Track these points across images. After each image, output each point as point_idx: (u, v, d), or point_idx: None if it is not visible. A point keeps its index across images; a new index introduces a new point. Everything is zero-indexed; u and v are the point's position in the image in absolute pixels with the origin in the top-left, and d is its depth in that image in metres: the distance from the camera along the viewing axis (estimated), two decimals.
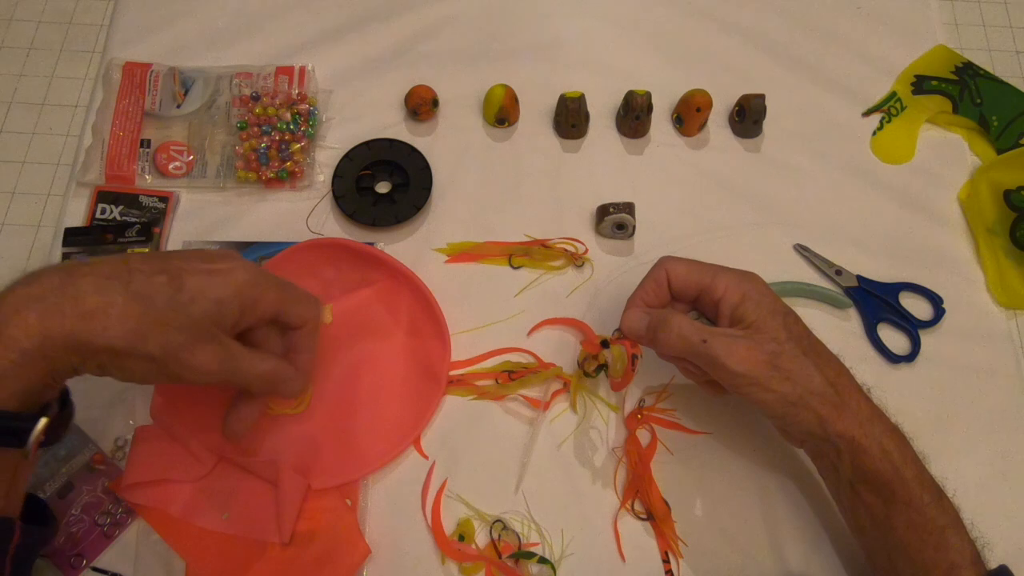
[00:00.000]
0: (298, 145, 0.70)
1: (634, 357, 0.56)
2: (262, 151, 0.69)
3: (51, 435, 0.43)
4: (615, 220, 0.66)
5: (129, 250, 0.65)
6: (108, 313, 0.41)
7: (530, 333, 0.64)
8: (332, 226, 0.69)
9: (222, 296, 0.45)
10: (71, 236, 0.66)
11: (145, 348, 0.42)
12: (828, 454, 0.51)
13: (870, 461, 0.48)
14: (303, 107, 0.71)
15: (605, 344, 0.57)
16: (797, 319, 0.51)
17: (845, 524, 0.54)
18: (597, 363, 0.57)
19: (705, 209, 0.71)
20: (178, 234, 0.68)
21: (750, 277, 0.52)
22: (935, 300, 0.66)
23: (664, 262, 0.53)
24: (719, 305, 0.51)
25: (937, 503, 0.48)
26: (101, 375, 0.44)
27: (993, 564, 0.48)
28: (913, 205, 0.71)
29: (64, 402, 0.46)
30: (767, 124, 0.74)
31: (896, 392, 0.63)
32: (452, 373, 0.62)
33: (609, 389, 0.62)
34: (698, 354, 0.50)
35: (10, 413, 0.40)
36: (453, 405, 0.61)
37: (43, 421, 0.41)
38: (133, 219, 0.67)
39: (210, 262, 0.46)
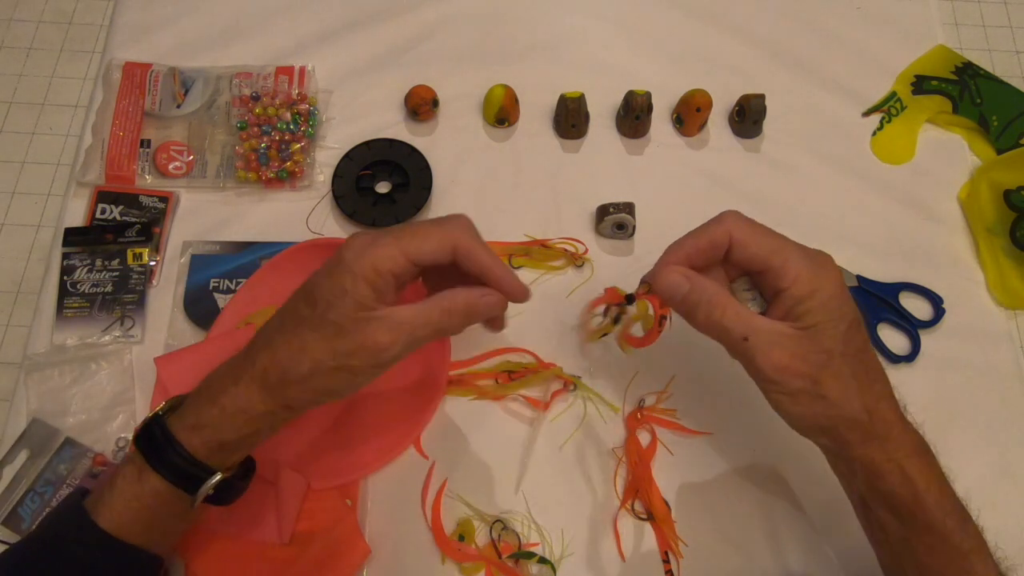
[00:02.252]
0: (298, 145, 0.70)
1: (663, 318, 0.49)
2: (262, 151, 0.69)
3: (225, 496, 0.47)
4: (615, 220, 0.66)
5: (131, 250, 0.65)
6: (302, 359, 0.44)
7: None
8: (332, 226, 0.69)
9: (349, 289, 0.44)
10: (71, 236, 0.66)
11: (319, 363, 0.45)
12: (840, 468, 0.47)
13: (887, 484, 0.44)
14: (303, 107, 0.71)
15: (630, 299, 0.49)
16: (860, 327, 0.45)
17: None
18: (616, 313, 0.51)
19: (705, 209, 0.70)
20: (178, 234, 0.68)
21: (826, 267, 0.44)
22: (935, 300, 0.66)
23: (728, 222, 0.45)
24: (781, 293, 0.44)
25: (962, 528, 0.44)
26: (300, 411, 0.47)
27: None
28: (913, 205, 0.71)
29: (247, 470, 0.50)
30: (767, 124, 0.74)
31: (896, 392, 0.63)
32: (452, 373, 0.62)
33: (613, 375, 0.62)
34: (733, 348, 0.45)
35: (199, 462, 0.45)
36: (453, 405, 0.61)
37: (217, 477, 0.45)
38: (133, 219, 0.67)
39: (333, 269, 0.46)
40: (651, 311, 0.49)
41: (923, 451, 0.45)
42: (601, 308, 0.52)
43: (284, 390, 0.45)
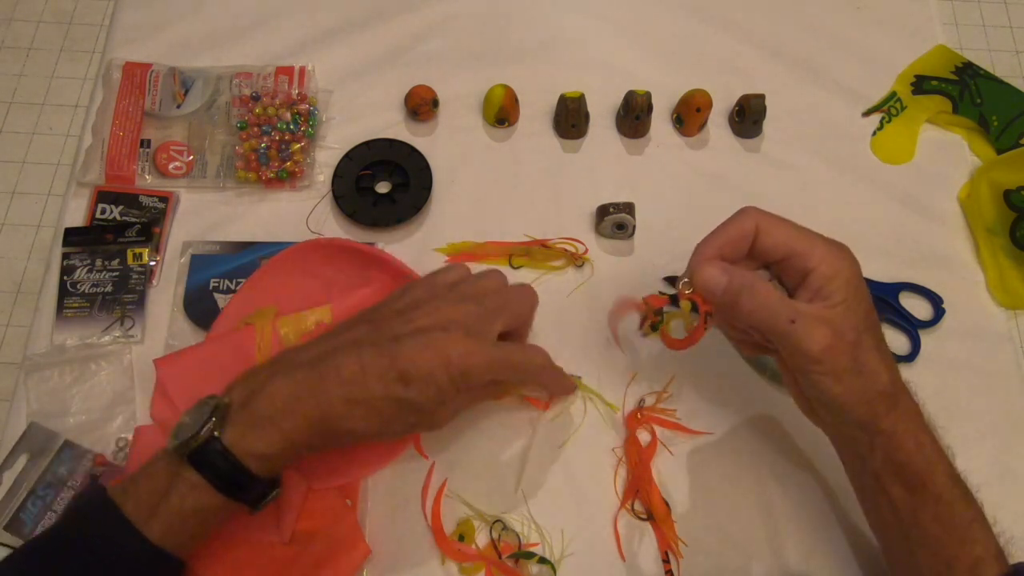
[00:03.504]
0: (298, 145, 0.70)
1: (707, 316, 0.49)
2: (262, 151, 0.69)
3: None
4: (615, 220, 0.66)
5: (131, 250, 0.65)
6: (353, 416, 0.48)
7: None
8: (332, 226, 0.69)
9: (442, 386, 0.49)
10: (71, 236, 0.66)
11: (390, 430, 0.50)
12: (859, 443, 0.48)
13: (904, 455, 0.46)
14: (303, 107, 0.71)
15: (674, 300, 0.51)
16: (873, 306, 0.47)
17: (864, 515, 0.53)
18: (656, 319, 0.52)
19: (705, 209, 0.70)
20: (178, 234, 0.68)
21: (845, 252, 0.47)
22: (935, 300, 0.66)
23: (753, 214, 0.47)
24: (808, 276, 0.45)
25: (964, 497, 0.47)
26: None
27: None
28: (913, 205, 0.71)
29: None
30: (767, 124, 0.74)
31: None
32: None
33: (613, 375, 0.62)
34: (779, 332, 0.45)
35: (264, 481, 0.47)
36: None
37: (276, 491, 0.49)
38: (133, 219, 0.67)
39: (438, 345, 0.48)
40: (694, 310, 0.51)
41: (929, 424, 0.48)
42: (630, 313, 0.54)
43: (325, 359, 0.48)
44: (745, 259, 0.49)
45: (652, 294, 0.54)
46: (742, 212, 0.48)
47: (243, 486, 0.46)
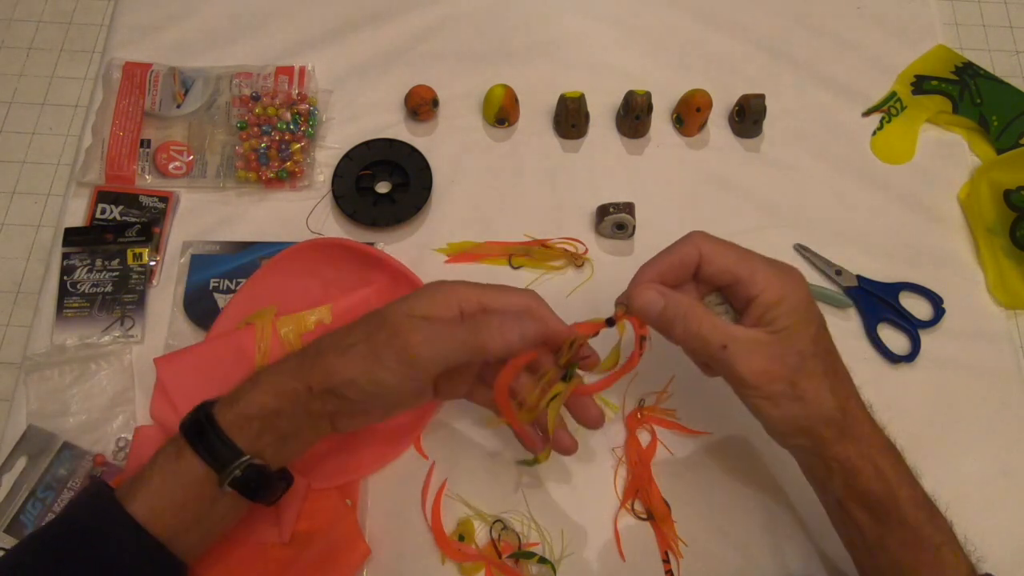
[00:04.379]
0: (298, 145, 0.70)
1: (642, 339, 0.48)
2: (262, 151, 0.69)
3: (260, 490, 0.49)
4: (615, 220, 0.66)
5: (131, 250, 0.65)
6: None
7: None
8: (332, 226, 0.69)
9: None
10: (71, 236, 0.66)
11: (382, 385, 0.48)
12: (815, 468, 0.48)
13: (863, 481, 0.46)
14: (303, 107, 0.71)
15: (610, 322, 0.48)
16: (826, 330, 0.47)
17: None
18: (571, 354, 0.48)
19: (705, 209, 0.71)
20: (178, 234, 0.68)
21: (791, 276, 0.47)
22: (935, 300, 0.66)
23: (696, 240, 0.47)
24: (751, 302, 0.46)
25: (931, 521, 0.46)
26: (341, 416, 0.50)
27: (986, 568, 0.48)
28: (913, 205, 0.71)
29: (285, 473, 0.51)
30: (767, 124, 0.74)
31: (896, 392, 0.63)
32: None
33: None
34: (714, 358, 0.46)
35: (229, 441, 0.46)
36: (453, 405, 0.61)
37: (245, 459, 0.46)
38: (133, 219, 0.67)
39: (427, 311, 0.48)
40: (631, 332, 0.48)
41: (891, 448, 0.47)
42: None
43: (313, 367, 0.47)
44: (696, 282, 0.49)
45: (583, 321, 0.49)
46: (686, 238, 0.48)
47: (206, 437, 0.46)
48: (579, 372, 0.50)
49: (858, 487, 0.46)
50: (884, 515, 0.46)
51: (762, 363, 0.45)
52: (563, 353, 0.49)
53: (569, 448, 0.52)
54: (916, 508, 0.46)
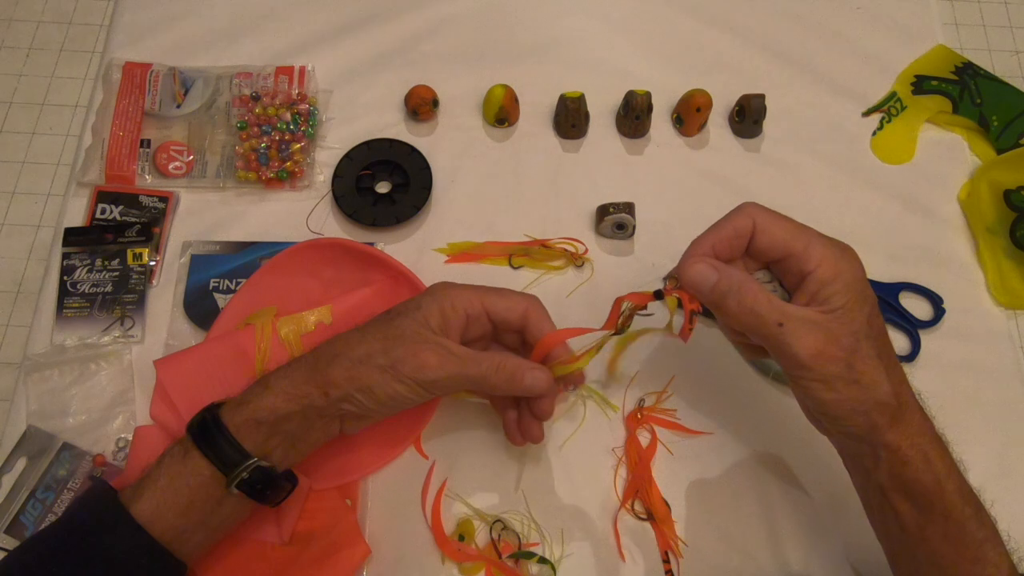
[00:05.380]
0: (298, 145, 0.70)
1: (692, 314, 0.47)
2: (262, 151, 0.69)
3: (266, 491, 0.49)
4: (615, 220, 0.66)
5: (131, 250, 0.65)
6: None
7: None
8: (332, 226, 0.69)
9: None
10: (71, 236, 0.66)
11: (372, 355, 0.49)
12: (864, 457, 0.46)
13: (911, 471, 0.44)
14: (303, 107, 0.71)
15: (659, 295, 0.47)
16: (879, 311, 0.45)
17: (870, 525, 0.51)
18: (624, 320, 0.49)
19: (705, 209, 0.70)
20: (178, 234, 0.68)
21: (847, 253, 0.45)
22: (935, 300, 0.66)
23: (750, 211, 0.46)
24: (806, 278, 0.44)
25: (977, 516, 0.44)
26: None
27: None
28: (913, 205, 0.71)
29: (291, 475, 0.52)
30: (767, 124, 0.74)
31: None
32: None
33: (608, 382, 0.62)
34: (767, 336, 0.44)
35: (234, 440, 0.46)
36: (453, 405, 0.61)
37: (252, 463, 0.47)
38: (133, 219, 0.67)
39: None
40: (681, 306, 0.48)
41: (940, 438, 0.46)
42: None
43: (329, 370, 0.48)
44: (745, 258, 0.47)
45: (635, 292, 0.50)
46: (740, 209, 0.46)
47: (210, 434, 0.47)
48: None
49: (905, 476, 0.44)
50: (928, 506, 0.44)
51: (818, 343, 0.42)
52: (618, 320, 0.49)
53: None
54: (963, 501, 0.44)
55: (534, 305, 0.52)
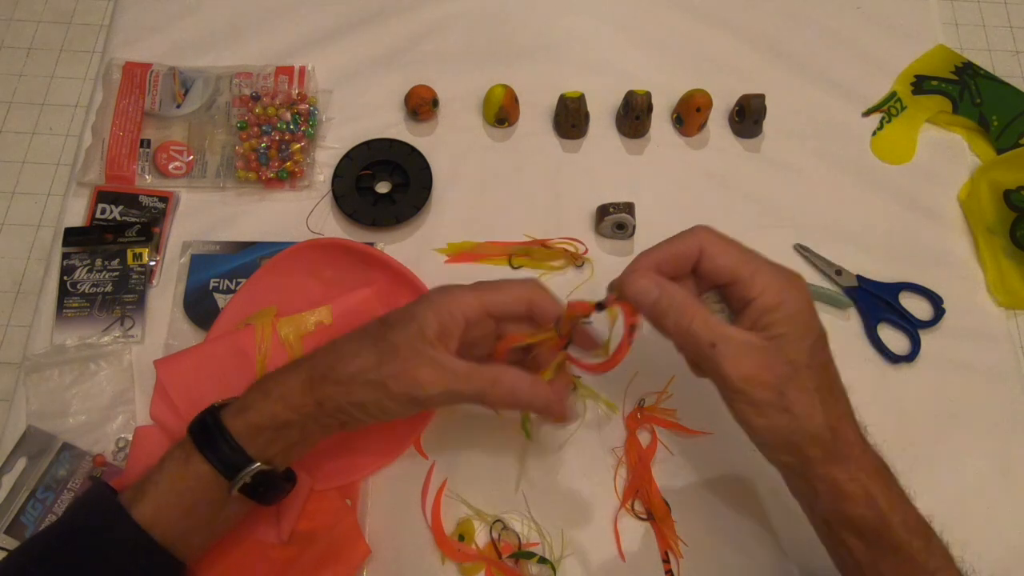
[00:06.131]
0: (298, 145, 0.70)
1: (632, 328, 0.47)
2: (262, 151, 0.69)
3: (265, 492, 0.49)
4: (615, 220, 0.66)
5: (131, 250, 0.65)
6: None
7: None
8: (332, 226, 0.69)
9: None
10: (71, 236, 0.66)
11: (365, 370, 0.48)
12: (804, 490, 0.46)
13: (853, 507, 0.44)
14: (303, 107, 0.71)
15: (600, 306, 0.48)
16: (825, 344, 0.45)
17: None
18: (573, 323, 0.49)
19: (705, 209, 0.71)
20: (178, 234, 0.68)
21: (794, 283, 0.45)
22: (935, 300, 0.66)
23: (700, 234, 0.46)
24: (748, 304, 0.44)
25: (927, 547, 0.44)
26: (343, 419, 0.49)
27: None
28: (913, 205, 0.71)
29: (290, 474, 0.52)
30: (767, 124, 0.74)
31: (896, 392, 0.63)
32: None
33: (613, 375, 0.62)
34: (702, 356, 0.44)
35: (236, 445, 0.46)
36: (453, 405, 0.61)
37: (255, 467, 0.47)
38: (133, 219, 0.67)
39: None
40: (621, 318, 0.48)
41: (884, 471, 0.45)
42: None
43: (323, 385, 0.47)
44: (696, 278, 0.48)
45: (577, 300, 0.49)
46: (691, 230, 0.47)
47: (214, 440, 0.46)
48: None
49: (848, 512, 0.44)
50: (875, 540, 0.44)
51: (751, 368, 0.43)
52: (557, 327, 0.49)
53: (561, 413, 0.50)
54: (910, 534, 0.44)
55: (536, 292, 0.49)
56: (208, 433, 0.46)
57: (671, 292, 0.45)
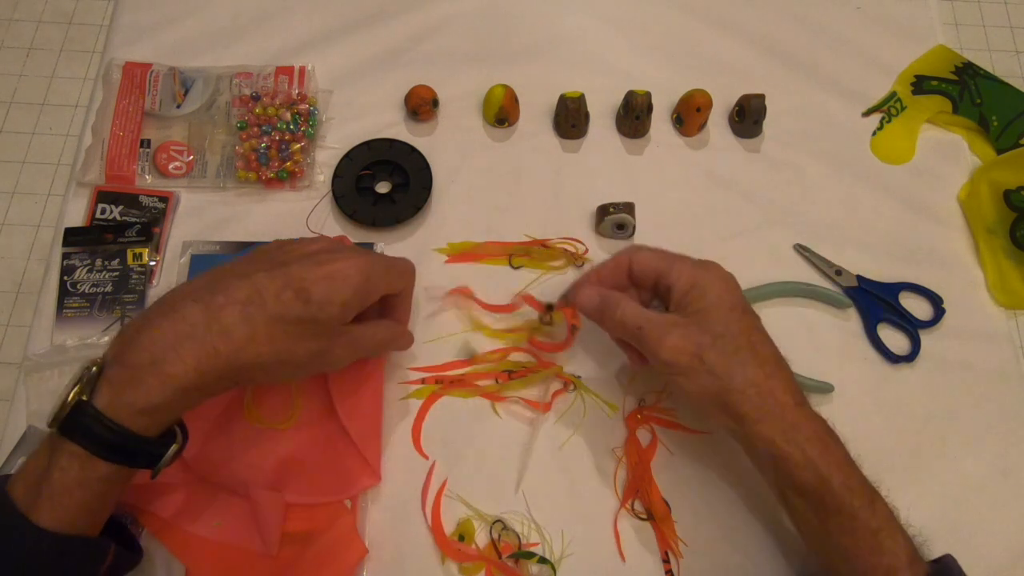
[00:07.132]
0: (298, 145, 0.70)
1: (573, 328, 0.61)
2: (262, 151, 0.69)
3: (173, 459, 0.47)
4: (615, 220, 0.66)
5: (131, 250, 0.65)
6: (256, 340, 0.46)
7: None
8: (332, 226, 0.69)
9: (345, 299, 0.49)
10: (71, 236, 0.66)
11: (293, 359, 0.49)
12: (757, 459, 0.51)
13: (794, 469, 0.47)
14: (303, 107, 0.71)
15: (549, 307, 0.60)
16: (747, 316, 0.51)
17: None
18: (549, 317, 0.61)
19: (705, 209, 0.71)
20: (178, 234, 0.68)
21: (707, 267, 0.52)
22: (935, 300, 0.66)
23: (631, 249, 0.55)
24: (670, 291, 0.52)
25: (869, 507, 0.47)
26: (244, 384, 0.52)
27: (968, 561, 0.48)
28: (913, 205, 0.71)
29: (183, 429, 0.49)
30: (767, 124, 0.74)
31: (896, 392, 0.63)
32: (452, 373, 0.62)
33: (613, 375, 0.62)
34: (635, 339, 0.51)
35: (153, 440, 0.45)
36: (453, 405, 0.61)
37: (173, 448, 0.46)
38: (133, 219, 0.67)
39: (327, 264, 0.49)
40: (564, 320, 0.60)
41: (825, 436, 0.49)
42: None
43: (214, 289, 0.47)
44: (639, 291, 0.56)
45: (530, 295, 0.64)
46: (624, 249, 0.55)
47: (128, 449, 0.43)
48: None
49: (790, 474, 0.48)
50: (819, 502, 0.48)
51: (672, 340, 0.49)
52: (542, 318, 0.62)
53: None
54: (850, 495, 0.47)
55: (412, 282, 0.58)
56: (104, 438, 0.43)
57: (608, 295, 0.53)
